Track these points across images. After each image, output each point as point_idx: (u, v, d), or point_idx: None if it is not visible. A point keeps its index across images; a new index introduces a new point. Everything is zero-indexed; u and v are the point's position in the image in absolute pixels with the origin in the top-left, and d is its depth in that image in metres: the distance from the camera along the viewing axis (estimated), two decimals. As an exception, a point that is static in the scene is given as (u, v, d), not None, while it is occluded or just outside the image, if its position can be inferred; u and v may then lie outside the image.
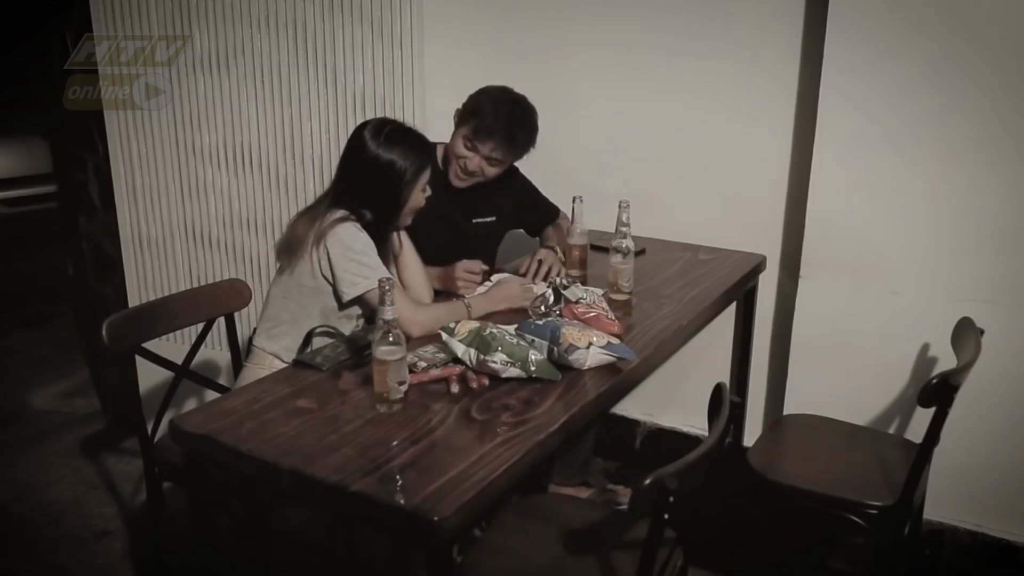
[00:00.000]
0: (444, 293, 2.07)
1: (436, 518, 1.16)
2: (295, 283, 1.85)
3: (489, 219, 2.31)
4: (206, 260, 2.97)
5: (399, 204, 1.86)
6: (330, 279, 1.81)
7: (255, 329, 1.98)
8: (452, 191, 2.20)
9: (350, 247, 1.78)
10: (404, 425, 1.43)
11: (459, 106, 2.18)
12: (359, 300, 1.82)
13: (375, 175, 1.82)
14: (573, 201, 2.15)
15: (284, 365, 1.79)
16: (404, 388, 1.48)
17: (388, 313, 1.44)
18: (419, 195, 1.89)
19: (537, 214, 2.42)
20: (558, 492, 2.45)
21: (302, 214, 1.90)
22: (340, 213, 1.81)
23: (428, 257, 2.09)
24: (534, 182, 2.41)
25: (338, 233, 1.78)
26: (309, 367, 1.66)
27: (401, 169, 1.82)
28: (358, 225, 1.81)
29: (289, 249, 1.84)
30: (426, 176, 1.88)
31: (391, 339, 1.44)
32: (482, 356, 1.55)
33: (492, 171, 2.17)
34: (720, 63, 2.40)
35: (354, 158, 1.85)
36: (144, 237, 3.05)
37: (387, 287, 1.44)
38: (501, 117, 2.09)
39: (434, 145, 2.29)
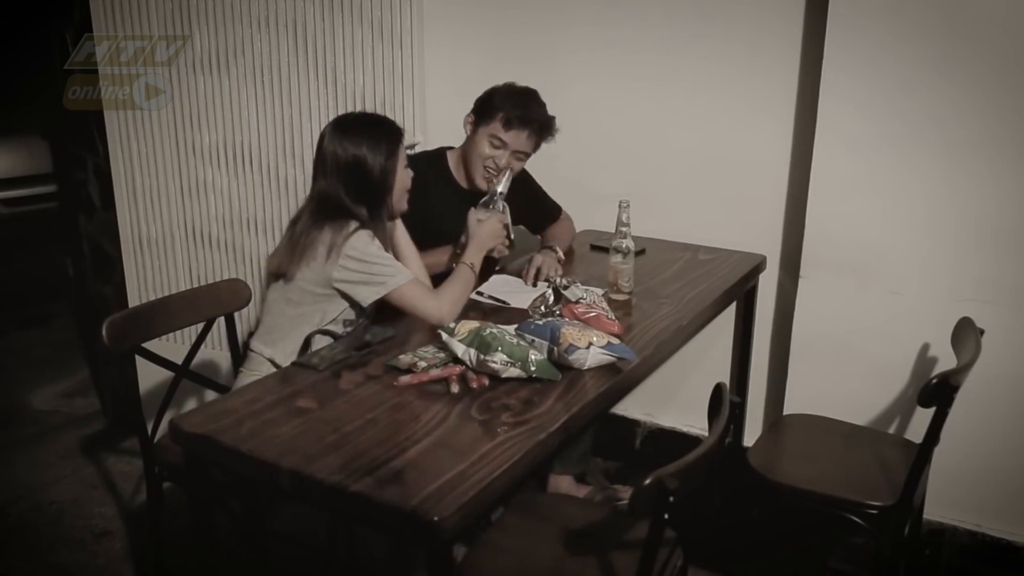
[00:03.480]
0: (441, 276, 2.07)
1: (436, 518, 1.16)
2: (299, 289, 1.86)
3: None
4: (206, 260, 2.97)
5: (387, 190, 1.89)
6: (345, 289, 1.84)
7: (251, 333, 1.98)
8: (464, 197, 2.20)
9: (364, 258, 1.81)
10: (404, 425, 1.43)
11: (468, 114, 2.19)
12: (382, 299, 1.84)
13: (354, 172, 1.85)
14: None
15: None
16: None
17: (502, 185, 2.08)
18: (404, 173, 1.93)
19: (540, 212, 2.42)
20: (557, 490, 2.45)
21: (298, 220, 1.90)
22: (351, 225, 1.82)
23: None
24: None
25: (354, 245, 1.80)
26: (306, 368, 1.66)
27: (375, 156, 1.85)
28: (370, 233, 1.83)
29: (292, 257, 1.85)
30: (402, 152, 1.91)
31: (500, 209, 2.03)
32: (482, 356, 1.55)
33: (519, 166, 2.19)
34: (720, 63, 2.40)
35: (328, 163, 1.86)
36: (144, 237, 3.04)
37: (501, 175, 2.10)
38: (526, 106, 2.12)
39: (442, 151, 2.29)
